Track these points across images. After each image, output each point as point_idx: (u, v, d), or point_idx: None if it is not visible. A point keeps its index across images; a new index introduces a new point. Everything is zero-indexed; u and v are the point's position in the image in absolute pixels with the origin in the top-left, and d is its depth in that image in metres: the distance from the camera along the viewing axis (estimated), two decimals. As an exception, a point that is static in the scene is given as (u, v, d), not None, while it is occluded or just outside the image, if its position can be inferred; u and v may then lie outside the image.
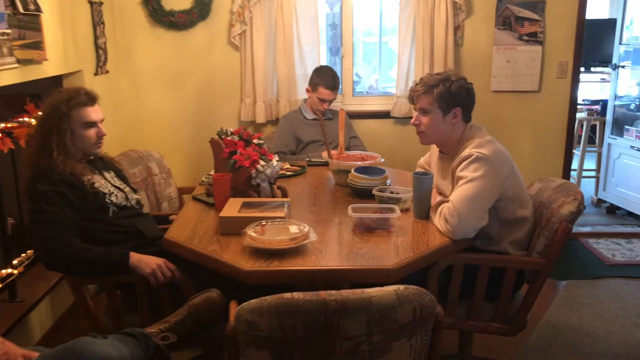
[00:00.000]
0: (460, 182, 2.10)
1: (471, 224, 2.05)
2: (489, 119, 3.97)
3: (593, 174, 5.35)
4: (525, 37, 3.88)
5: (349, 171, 2.59)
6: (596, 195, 5.24)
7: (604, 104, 5.18)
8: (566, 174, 4.13)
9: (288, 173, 2.92)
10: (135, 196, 2.37)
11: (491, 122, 3.95)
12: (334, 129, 3.50)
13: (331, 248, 1.96)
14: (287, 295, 1.32)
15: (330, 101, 3.48)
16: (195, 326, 1.84)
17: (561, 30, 3.89)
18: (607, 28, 6.02)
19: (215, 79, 3.95)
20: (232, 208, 2.18)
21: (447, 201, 2.11)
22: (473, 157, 2.10)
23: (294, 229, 1.98)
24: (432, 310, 1.38)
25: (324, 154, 2.85)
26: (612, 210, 5.04)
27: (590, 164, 5.45)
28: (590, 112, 5.18)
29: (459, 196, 2.06)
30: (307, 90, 3.53)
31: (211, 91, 3.96)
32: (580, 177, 5.15)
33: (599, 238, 4.20)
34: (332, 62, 6.96)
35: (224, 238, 2.04)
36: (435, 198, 2.33)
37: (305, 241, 1.91)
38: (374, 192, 2.36)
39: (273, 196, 2.43)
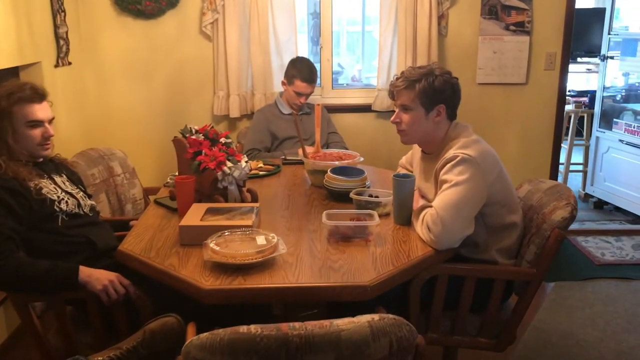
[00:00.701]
0: (444, 186, 1.92)
1: (456, 232, 1.87)
2: (474, 112, 3.80)
3: (580, 168, 5.22)
4: (512, 27, 3.70)
5: (325, 172, 2.40)
6: (584, 190, 5.11)
7: (591, 95, 5.05)
8: (554, 169, 3.98)
9: (261, 173, 2.73)
10: (90, 202, 2.16)
11: (477, 116, 3.79)
12: (311, 124, 3.31)
13: (303, 261, 1.77)
14: (243, 329, 1.13)
15: (307, 95, 3.29)
16: (150, 354, 1.65)
17: (550, 20, 3.72)
18: (593, 17, 5.88)
19: (187, 70, 3.73)
20: (195, 215, 1.99)
21: (430, 206, 1.94)
22: (458, 158, 1.92)
23: (261, 239, 1.78)
24: (412, 342, 1.20)
25: (300, 152, 2.66)
26: (600, 205, 4.91)
27: (577, 157, 5.31)
28: (578, 105, 5.04)
29: (443, 202, 1.88)
30: (283, 83, 3.33)
31: (182, 84, 3.75)
32: (567, 171, 5.01)
33: (588, 236, 4.06)
34: (314, 51, 6.75)
35: (185, 250, 1.85)
36: (418, 202, 2.15)
37: (274, 254, 1.72)
38: (352, 195, 2.18)
39: (242, 200, 2.24)
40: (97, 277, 1.83)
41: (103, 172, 2.65)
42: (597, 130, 4.85)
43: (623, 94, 4.85)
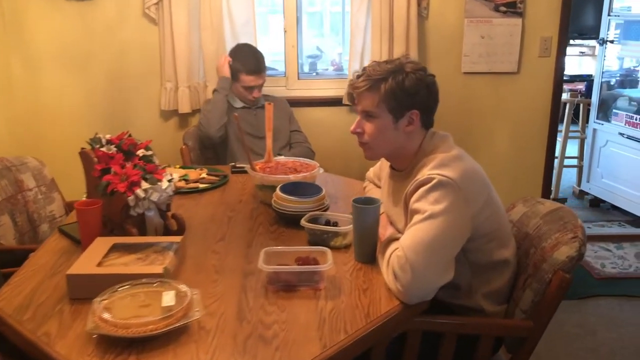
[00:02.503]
0: (416, 218, 1.48)
1: (430, 281, 1.43)
2: (459, 106, 3.36)
3: (574, 162, 4.80)
4: (502, 8, 3.24)
5: (276, 187, 1.95)
6: (578, 187, 4.70)
7: (588, 83, 4.61)
8: (548, 168, 3.55)
9: (201, 186, 2.26)
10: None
11: (462, 110, 3.35)
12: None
13: (225, 328, 1.32)
14: None
15: (259, 86, 2.82)
16: None
17: (545, 0, 3.26)
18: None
19: (130, 59, 3.23)
20: (94, 254, 1.53)
21: (399, 238, 1.50)
22: (433, 182, 1.47)
23: (169, 298, 1.33)
24: None
25: (256, 166, 2.20)
26: (596, 203, 4.52)
27: (572, 150, 4.87)
28: (574, 93, 4.60)
29: (413, 241, 1.43)
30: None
31: (125, 74, 3.25)
32: (561, 165, 4.59)
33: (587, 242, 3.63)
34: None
35: (73, 307, 1.39)
36: (385, 229, 1.71)
37: (184, 321, 1.27)
38: (303, 223, 1.73)
39: (166, 230, 1.78)
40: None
41: (8, 188, 2.18)
42: (594, 122, 4.43)
43: (623, 81, 4.42)
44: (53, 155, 2.89)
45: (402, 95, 1.57)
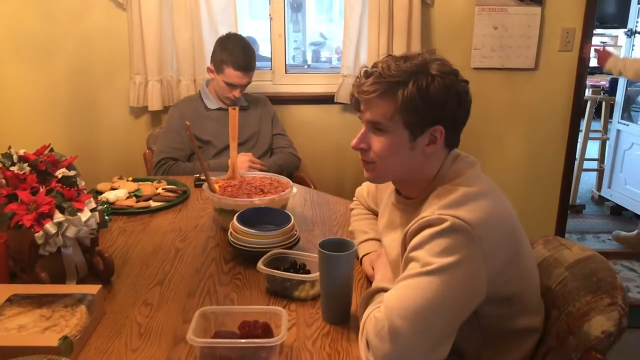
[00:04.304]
0: (411, 268, 1.10)
1: (415, 359, 1.06)
2: (468, 106, 2.95)
3: (594, 165, 4.39)
4: (519, -5, 2.83)
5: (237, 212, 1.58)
6: (598, 192, 4.30)
7: (613, 78, 4.18)
8: (567, 174, 3.14)
9: (154, 204, 1.90)
10: None
11: (472, 111, 2.93)
12: (250, 123, 2.49)
13: None
14: None
15: (243, 86, 2.44)
16: None
17: (568, -14, 2.85)
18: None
19: (96, 49, 2.87)
20: (-20, 314, 1.17)
21: (387, 290, 1.13)
22: (444, 225, 1.09)
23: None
24: None
25: (211, 183, 1.83)
26: (618, 210, 4.12)
27: (591, 151, 4.44)
28: (596, 90, 4.17)
29: (402, 302, 1.06)
30: (209, 70, 2.48)
31: (90, 66, 2.89)
32: (580, 169, 4.18)
33: (607, 259, 3.24)
34: (294, 19, 5.75)
35: None
36: (378, 272, 1.35)
37: None
38: (260, 267, 1.36)
39: (91, 269, 1.42)
40: None
41: None
42: (618, 122, 4.01)
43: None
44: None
45: (426, 106, 1.16)
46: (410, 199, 1.28)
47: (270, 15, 2.94)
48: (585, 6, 2.87)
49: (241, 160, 2.28)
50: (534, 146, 3.09)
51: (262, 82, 2.98)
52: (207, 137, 2.43)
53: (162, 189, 2.00)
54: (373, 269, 1.40)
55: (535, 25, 2.86)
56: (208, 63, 2.60)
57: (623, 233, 3.52)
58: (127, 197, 1.91)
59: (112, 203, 1.86)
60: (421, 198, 1.23)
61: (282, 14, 2.93)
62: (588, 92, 4.20)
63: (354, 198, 1.69)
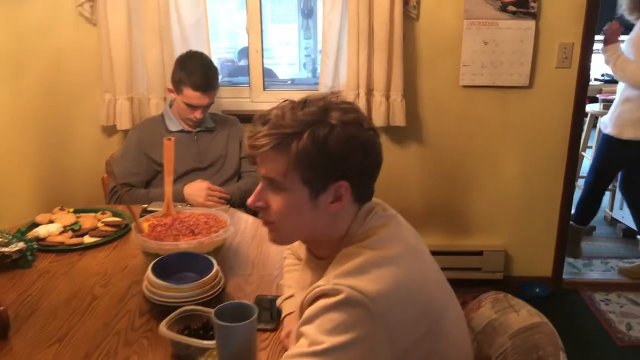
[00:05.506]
0: (300, 345, 0.95)
1: None
2: (457, 126, 2.79)
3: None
4: (511, 8, 2.62)
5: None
6: (611, 211, 4.04)
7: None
8: (566, 198, 2.92)
9: (87, 241, 1.76)
10: None
11: (460, 131, 2.78)
12: (215, 146, 2.35)
13: None
14: None
15: (204, 107, 2.30)
16: None
17: (565, -3, 2.64)
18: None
19: (67, 65, 2.77)
20: None
21: None
22: (338, 297, 0.93)
23: None
24: None
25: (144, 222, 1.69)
26: (631, 234, 3.83)
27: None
28: (608, 105, 3.91)
29: None
30: (169, 91, 2.34)
31: (61, 84, 2.79)
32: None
33: (610, 292, 3.02)
34: (305, 26, 5.61)
35: None
36: (288, 338, 1.19)
37: None
38: (161, 329, 1.21)
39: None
40: None
41: None
42: (631, 139, 3.74)
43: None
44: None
45: (324, 160, 1.00)
46: (320, 259, 1.11)
47: (247, 30, 2.80)
48: (585, 19, 2.65)
49: (198, 188, 2.15)
50: (531, 168, 2.88)
51: (240, 100, 2.85)
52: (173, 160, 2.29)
53: (103, 222, 1.86)
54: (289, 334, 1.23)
55: (529, 41, 2.66)
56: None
57: (627, 265, 3.28)
58: (62, 232, 1.79)
59: (43, 239, 1.73)
60: (332, 258, 1.06)
61: (259, 29, 2.78)
62: (599, 107, 3.95)
63: (287, 247, 1.52)
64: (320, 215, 1.04)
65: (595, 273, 3.27)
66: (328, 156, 0.99)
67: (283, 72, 5.32)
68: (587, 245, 3.77)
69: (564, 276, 3.06)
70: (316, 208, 1.03)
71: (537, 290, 2.95)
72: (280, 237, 1.11)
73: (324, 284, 0.97)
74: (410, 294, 0.97)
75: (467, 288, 2.90)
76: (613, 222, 4.02)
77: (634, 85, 2.94)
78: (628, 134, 3.04)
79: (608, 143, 3.13)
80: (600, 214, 4.18)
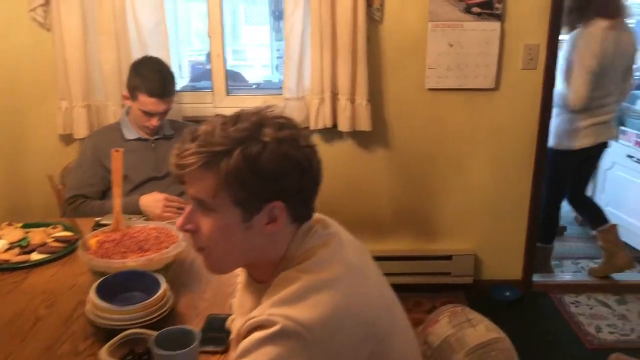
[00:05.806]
0: None
1: None
2: (423, 130, 2.75)
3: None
4: (475, 9, 2.60)
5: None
6: (580, 213, 4.03)
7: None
8: (535, 200, 2.90)
9: (34, 258, 1.68)
10: None
11: (426, 135, 2.75)
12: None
13: None
14: None
15: (160, 114, 2.22)
16: None
17: (530, -1, 2.62)
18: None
19: (22, 70, 2.68)
20: None
21: None
22: (273, 330, 0.87)
23: None
24: None
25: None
26: (600, 233, 3.83)
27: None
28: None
29: None
30: (125, 98, 2.26)
31: (16, 91, 2.69)
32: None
33: (580, 293, 3.01)
34: (276, 28, 5.51)
35: None
36: None
37: None
38: (102, 356, 1.14)
39: None
40: None
41: None
42: (598, 140, 3.74)
43: (634, 93, 3.74)
44: None
45: (256, 180, 0.93)
46: (261, 282, 1.05)
47: (208, 34, 2.72)
48: (550, 20, 2.63)
49: (155, 199, 2.07)
50: (499, 170, 2.85)
51: (202, 105, 2.78)
52: (123, 171, 2.21)
53: (53, 237, 1.78)
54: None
55: (495, 42, 2.63)
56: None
57: (595, 266, 3.27)
58: (9, 249, 1.70)
59: (-12, 257, 1.65)
60: (271, 282, 1.00)
61: (220, 33, 2.71)
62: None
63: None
64: (255, 238, 0.98)
65: (566, 274, 3.27)
66: (260, 175, 0.93)
67: (256, 74, 5.24)
68: (558, 245, 3.75)
69: (534, 278, 3.04)
70: (250, 230, 0.97)
71: (507, 293, 2.93)
72: (214, 264, 1.03)
73: (258, 314, 0.91)
74: (351, 317, 0.92)
75: (436, 293, 2.87)
76: (584, 222, 4.03)
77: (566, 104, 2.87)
78: (565, 145, 2.94)
79: (551, 155, 2.94)
80: (570, 215, 4.19)
